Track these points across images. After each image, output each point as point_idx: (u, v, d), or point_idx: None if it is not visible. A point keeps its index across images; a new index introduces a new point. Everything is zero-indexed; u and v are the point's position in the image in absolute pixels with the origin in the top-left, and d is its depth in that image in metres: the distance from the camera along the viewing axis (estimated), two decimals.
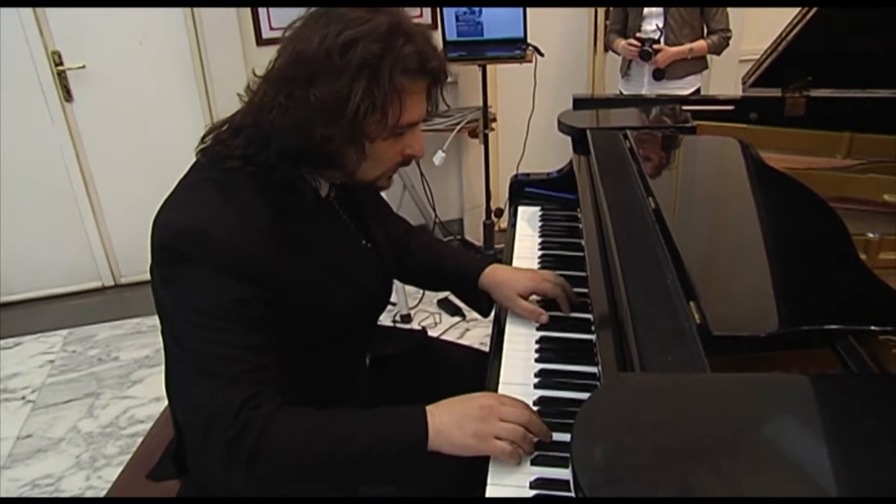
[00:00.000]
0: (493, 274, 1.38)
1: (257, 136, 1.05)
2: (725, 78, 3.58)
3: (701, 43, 2.93)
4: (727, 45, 2.97)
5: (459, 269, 1.44)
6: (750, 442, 0.68)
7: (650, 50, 2.88)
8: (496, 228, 3.35)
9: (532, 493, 0.92)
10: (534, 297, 1.35)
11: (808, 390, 0.75)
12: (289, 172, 1.06)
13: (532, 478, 0.94)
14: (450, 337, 2.89)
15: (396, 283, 3.17)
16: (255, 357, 0.99)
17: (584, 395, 1.10)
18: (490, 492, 0.93)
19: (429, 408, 1.01)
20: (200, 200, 1.04)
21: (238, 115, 1.10)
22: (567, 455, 0.96)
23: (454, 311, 3.05)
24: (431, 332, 2.88)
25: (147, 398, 2.59)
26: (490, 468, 0.97)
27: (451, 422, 0.99)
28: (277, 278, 1.03)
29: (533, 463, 0.98)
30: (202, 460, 1.22)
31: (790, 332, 0.85)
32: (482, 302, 1.42)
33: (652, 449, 0.67)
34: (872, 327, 0.86)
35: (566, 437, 0.98)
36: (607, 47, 3.14)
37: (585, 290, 1.38)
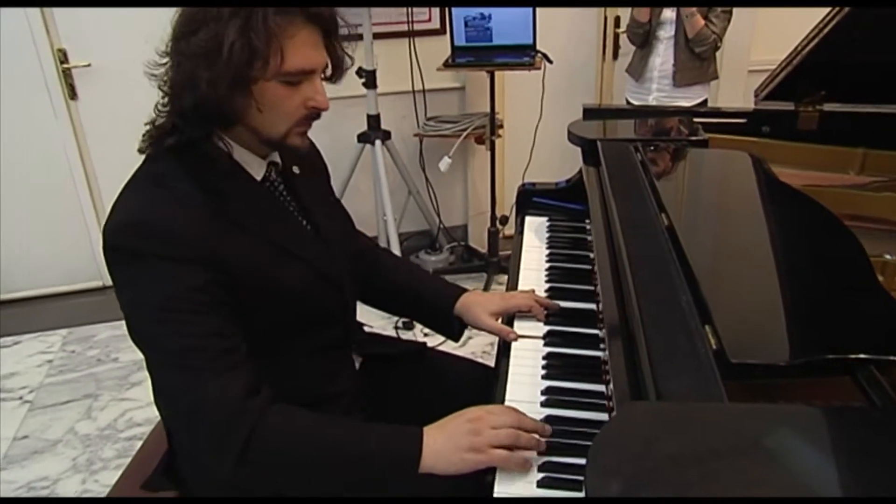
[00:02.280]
0: (465, 298, 1.40)
1: (169, 104, 1.08)
2: (734, 88, 3.55)
3: (699, 19, 2.87)
4: (709, 46, 2.90)
5: (432, 292, 1.45)
6: (770, 476, 0.66)
7: None
8: (501, 235, 3.32)
9: None
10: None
11: (831, 424, 0.72)
12: (195, 133, 1.07)
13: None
14: (451, 345, 2.84)
15: None
16: (220, 342, 1.01)
17: (592, 415, 1.09)
18: None
19: (425, 429, 1.02)
20: (135, 196, 1.06)
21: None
22: (575, 478, 0.96)
23: None
24: (433, 340, 2.86)
25: (145, 401, 2.57)
26: (496, 484, 0.96)
27: (445, 441, 1.00)
28: (222, 258, 1.04)
29: (540, 485, 0.95)
30: (194, 465, 1.21)
31: (810, 362, 0.82)
32: (454, 328, 1.43)
33: (669, 483, 0.64)
34: (894, 357, 0.83)
35: (575, 460, 0.98)
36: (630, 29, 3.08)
37: (593, 307, 1.37)
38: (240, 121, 1.08)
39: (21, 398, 2.68)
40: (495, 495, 0.94)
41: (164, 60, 1.07)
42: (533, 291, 1.40)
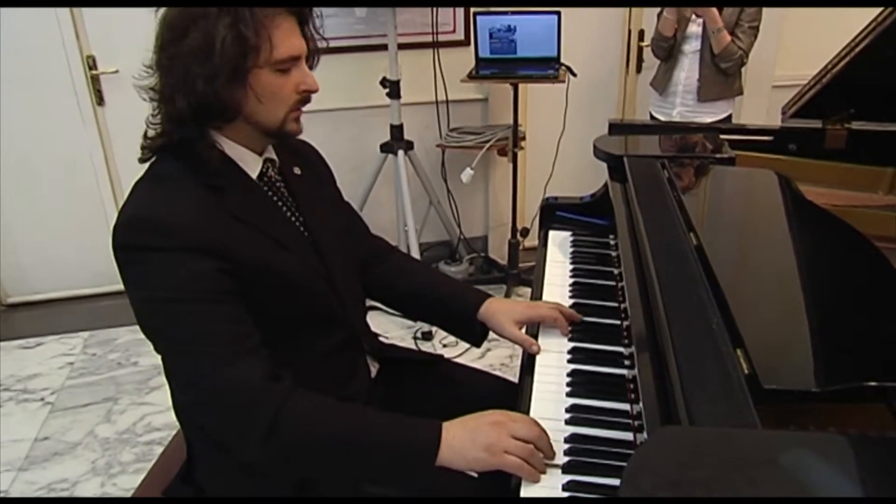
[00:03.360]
0: (489, 303, 1.39)
1: (161, 111, 1.12)
2: (758, 104, 3.53)
3: (726, 34, 2.86)
4: (735, 62, 2.88)
5: (455, 296, 1.43)
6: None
7: None
8: (521, 248, 3.32)
9: None
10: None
11: (864, 453, 0.71)
12: (187, 134, 1.10)
13: None
14: (470, 356, 2.86)
15: None
16: (233, 326, 1.05)
17: (617, 434, 1.08)
18: None
19: (445, 424, 1.05)
20: (138, 195, 1.11)
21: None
22: (599, 496, 0.95)
23: None
24: (452, 351, 2.87)
25: (164, 406, 2.57)
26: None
27: (463, 437, 1.03)
28: (226, 247, 1.07)
29: None
30: (212, 472, 1.23)
31: (844, 389, 0.81)
32: (477, 333, 1.42)
33: None
34: None
35: (600, 480, 0.97)
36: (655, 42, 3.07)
37: (617, 322, 1.36)
38: (240, 113, 1.12)
39: (43, 399, 2.70)
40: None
41: (151, 71, 1.12)
42: (558, 304, 1.40)
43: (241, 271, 1.08)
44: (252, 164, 1.19)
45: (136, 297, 1.07)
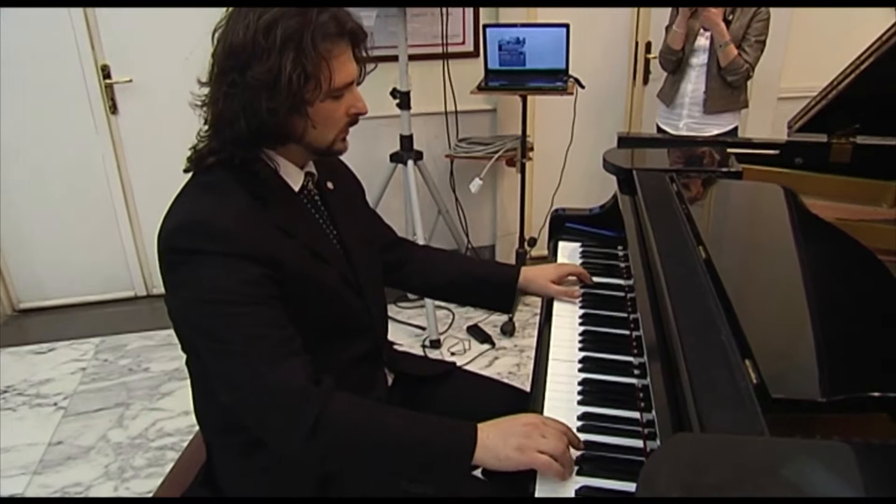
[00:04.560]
0: (524, 274, 1.57)
1: (217, 130, 1.15)
2: (764, 116, 3.57)
3: (733, 48, 2.89)
4: (741, 75, 2.91)
5: (493, 274, 1.60)
6: None
7: None
8: (528, 257, 3.35)
9: None
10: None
11: (869, 460, 0.74)
12: (246, 155, 1.15)
13: None
14: (479, 364, 2.89)
15: (427, 308, 3.17)
16: (278, 331, 1.08)
17: (629, 442, 1.11)
18: None
19: (479, 425, 1.08)
20: (188, 201, 1.15)
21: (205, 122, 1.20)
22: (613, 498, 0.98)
23: (483, 338, 3.05)
24: (460, 359, 2.90)
25: (176, 411, 2.62)
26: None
27: (496, 437, 1.06)
28: (271, 255, 1.11)
29: None
30: (232, 475, 1.26)
31: (849, 398, 0.84)
32: (511, 302, 1.58)
33: None
34: None
35: (612, 484, 1.00)
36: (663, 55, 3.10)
37: (626, 333, 1.39)
38: (295, 138, 1.17)
39: (56, 404, 2.74)
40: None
41: (208, 92, 1.15)
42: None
43: (283, 279, 1.12)
44: (295, 178, 1.24)
45: (185, 299, 1.11)
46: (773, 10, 2.92)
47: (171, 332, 1.22)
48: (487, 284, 1.57)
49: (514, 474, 1.05)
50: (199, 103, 1.17)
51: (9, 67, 3.00)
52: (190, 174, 1.20)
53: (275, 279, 1.11)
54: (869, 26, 1.74)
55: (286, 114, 1.11)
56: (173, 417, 2.60)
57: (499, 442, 1.06)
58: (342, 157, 1.43)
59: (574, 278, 1.58)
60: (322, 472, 1.22)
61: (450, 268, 1.59)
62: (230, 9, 1.14)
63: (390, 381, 1.44)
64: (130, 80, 3.14)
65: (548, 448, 1.03)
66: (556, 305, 1.54)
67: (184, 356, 1.27)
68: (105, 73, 3.12)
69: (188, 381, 1.31)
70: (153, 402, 2.71)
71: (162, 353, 2.99)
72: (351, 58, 1.17)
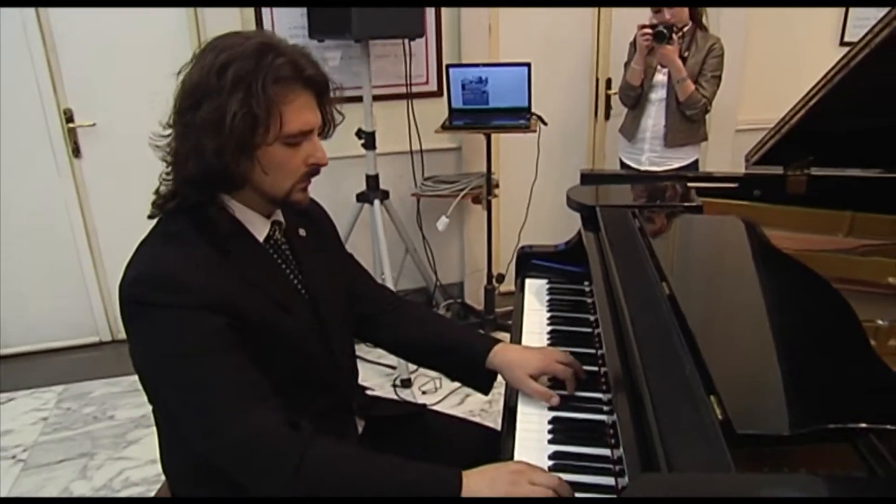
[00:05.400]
0: (503, 353, 1.38)
1: (174, 172, 1.15)
2: (723, 148, 3.65)
3: (690, 83, 2.95)
4: (699, 109, 2.98)
5: (464, 344, 1.43)
6: None
7: (664, 31, 2.88)
8: (497, 293, 3.36)
9: None
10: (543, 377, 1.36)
11: (833, 492, 0.75)
12: (201, 198, 1.14)
13: None
14: (450, 403, 2.87)
15: None
16: (246, 376, 1.07)
17: (600, 480, 1.11)
18: None
19: (465, 473, 1.07)
20: (149, 251, 1.14)
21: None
22: None
23: None
24: (431, 398, 2.89)
25: (143, 459, 2.55)
26: None
27: (483, 484, 1.05)
28: (232, 305, 1.10)
29: None
30: None
31: (812, 431, 0.85)
32: (485, 381, 1.43)
33: None
34: (890, 427, 0.86)
35: None
36: (623, 91, 3.17)
37: (594, 368, 1.40)
38: (247, 183, 1.15)
39: (14, 457, 2.65)
40: None
41: (168, 132, 1.15)
42: (569, 357, 1.37)
43: (246, 328, 1.11)
44: (260, 227, 1.22)
45: (148, 353, 1.10)
46: (728, 46, 3.01)
47: (137, 378, 1.20)
48: (455, 355, 1.43)
49: None
50: (158, 145, 1.16)
51: None
52: (154, 220, 1.19)
53: (237, 327, 1.09)
54: (816, 58, 1.80)
55: (233, 156, 1.09)
56: (140, 466, 2.53)
57: (485, 488, 1.04)
58: (318, 200, 1.42)
59: (563, 367, 1.34)
60: None
61: (420, 329, 1.47)
62: (196, 50, 1.14)
63: (360, 428, 1.42)
64: (94, 124, 3.13)
65: (536, 495, 1.02)
66: (525, 338, 1.55)
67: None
68: (67, 116, 3.10)
69: (155, 429, 1.28)
70: (119, 451, 2.64)
71: (128, 400, 2.92)
72: (309, 106, 1.15)
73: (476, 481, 1.05)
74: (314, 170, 1.20)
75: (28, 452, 2.67)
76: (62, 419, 2.88)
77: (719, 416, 0.88)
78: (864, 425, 0.85)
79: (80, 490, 2.44)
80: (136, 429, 2.73)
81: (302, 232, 1.33)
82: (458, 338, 1.45)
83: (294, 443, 1.04)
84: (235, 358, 1.08)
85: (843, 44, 3.67)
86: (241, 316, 1.10)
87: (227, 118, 1.06)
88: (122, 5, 2.97)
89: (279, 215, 1.27)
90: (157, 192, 1.19)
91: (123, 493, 2.41)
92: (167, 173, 1.17)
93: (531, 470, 1.07)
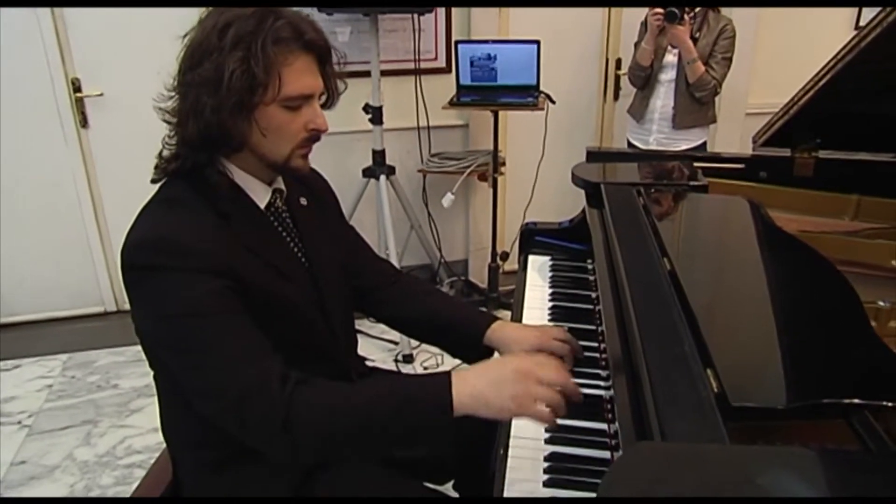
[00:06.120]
0: (501, 330, 1.37)
1: (174, 133, 1.15)
2: (732, 131, 3.63)
3: (700, 65, 2.94)
4: (709, 91, 2.97)
5: (463, 320, 1.42)
6: None
7: (675, 11, 2.86)
8: (501, 271, 3.36)
9: None
10: None
11: (826, 466, 0.75)
12: (200, 160, 1.14)
13: None
14: None
15: None
16: (247, 334, 1.08)
17: (596, 453, 1.12)
18: None
19: (459, 373, 1.05)
20: (149, 216, 1.14)
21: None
22: None
23: None
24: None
25: (145, 428, 2.58)
26: None
27: (486, 386, 1.03)
28: (233, 269, 1.10)
29: None
30: (201, 489, 1.27)
31: (807, 405, 0.85)
32: (483, 357, 1.40)
33: None
34: (886, 403, 0.86)
35: (580, 495, 1.01)
36: (632, 71, 3.15)
37: (595, 345, 1.40)
38: (245, 145, 1.15)
39: (20, 423, 2.68)
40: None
41: (171, 94, 1.15)
42: (566, 334, 1.35)
43: (247, 291, 1.11)
44: (261, 194, 1.22)
45: (150, 316, 1.10)
46: (740, 28, 2.99)
47: (140, 347, 1.21)
48: (454, 331, 1.42)
49: (482, 485, 1.05)
50: (161, 107, 1.16)
51: None
52: (157, 185, 1.20)
53: (237, 291, 1.10)
54: (829, 42, 1.78)
55: (231, 114, 1.09)
56: (143, 434, 2.56)
57: (490, 391, 1.02)
58: (321, 172, 1.42)
59: (561, 344, 1.32)
60: (298, 481, 1.21)
61: (420, 305, 1.46)
62: (203, 12, 1.14)
63: None
64: (101, 94, 3.12)
65: (546, 397, 1.01)
66: (526, 314, 1.55)
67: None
68: (76, 86, 3.09)
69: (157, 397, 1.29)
70: (122, 420, 2.67)
71: (132, 370, 2.95)
72: (309, 69, 1.15)
73: (478, 384, 1.03)
74: (314, 136, 1.19)
75: (33, 418, 2.70)
76: (67, 387, 2.91)
77: (715, 390, 0.88)
78: (858, 401, 0.85)
79: (84, 456, 2.48)
80: (139, 398, 2.76)
81: (303, 201, 1.33)
82: (456, 314, 1.44)
83: (280, 394, 1.02)
84: (234, 318, 1.08)
85: (857, 28, 3.62)
86: (241, 280, 1.11)
87: (225, 76, 1.06)
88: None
89: (280, 183, 1.27)
90: (159, 155, 1.19)
91: (125, 461, 2.44)
92: (170, 136, 1.17)
93: (537, 366, 1.05)
